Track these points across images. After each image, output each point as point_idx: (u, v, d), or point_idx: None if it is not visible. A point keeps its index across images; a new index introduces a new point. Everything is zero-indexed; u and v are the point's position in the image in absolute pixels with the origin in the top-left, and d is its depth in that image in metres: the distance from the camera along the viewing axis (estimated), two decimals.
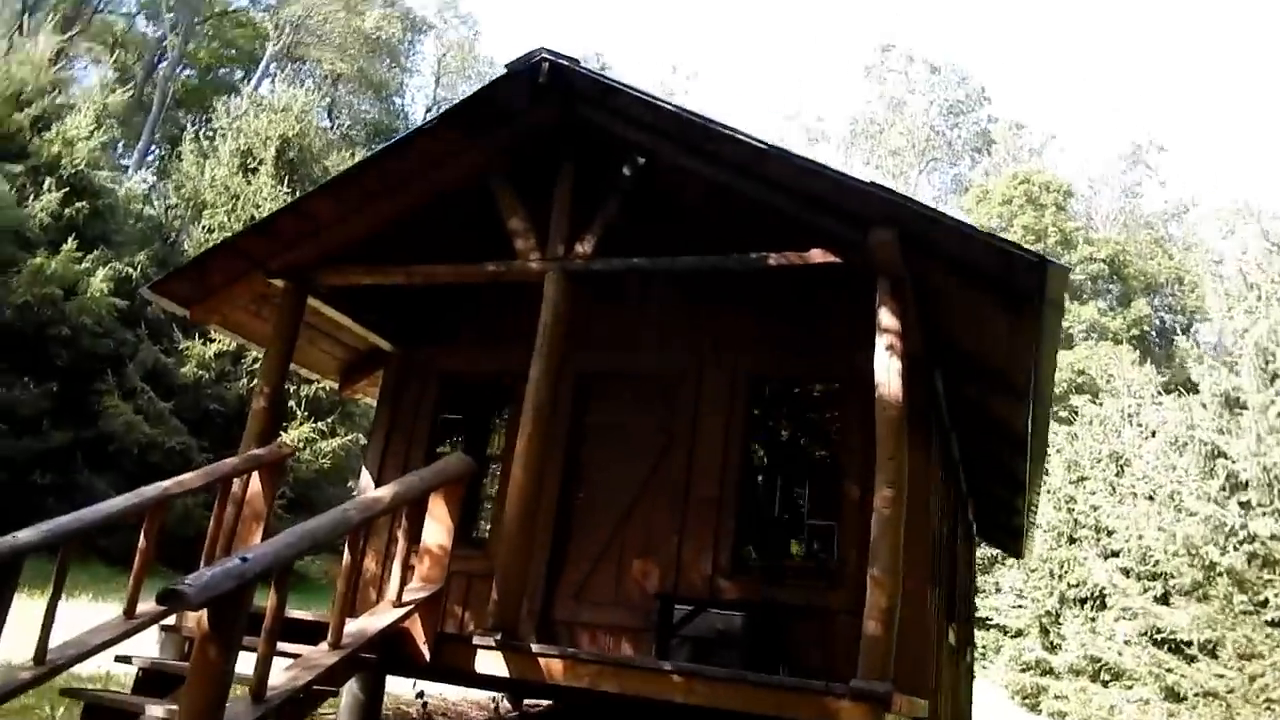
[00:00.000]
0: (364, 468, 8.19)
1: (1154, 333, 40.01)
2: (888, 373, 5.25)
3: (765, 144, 5.43)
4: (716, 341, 7.36)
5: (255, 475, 6.23)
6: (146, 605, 5.14)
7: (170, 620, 5.63)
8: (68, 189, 18.15)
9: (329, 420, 19.84)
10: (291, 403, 19.48)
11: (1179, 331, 37.21)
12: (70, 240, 17.01)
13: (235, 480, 6.07)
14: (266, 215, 6.73)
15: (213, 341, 18.68)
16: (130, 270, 18.73)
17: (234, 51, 37.68)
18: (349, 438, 20.47)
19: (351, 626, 4.85)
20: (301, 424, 19.19)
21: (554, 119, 6.47)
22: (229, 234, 15.14)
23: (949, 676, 8.84)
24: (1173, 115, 65.05)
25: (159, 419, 17.37)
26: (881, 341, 5.33)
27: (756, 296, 7.36)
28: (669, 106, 6.04)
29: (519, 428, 5.93)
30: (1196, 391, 21.49)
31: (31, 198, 17.53)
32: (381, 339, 8.05)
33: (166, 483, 5.52)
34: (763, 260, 5.78)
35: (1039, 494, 10.96)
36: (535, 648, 5.21)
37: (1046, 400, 6.29)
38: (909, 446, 5.18)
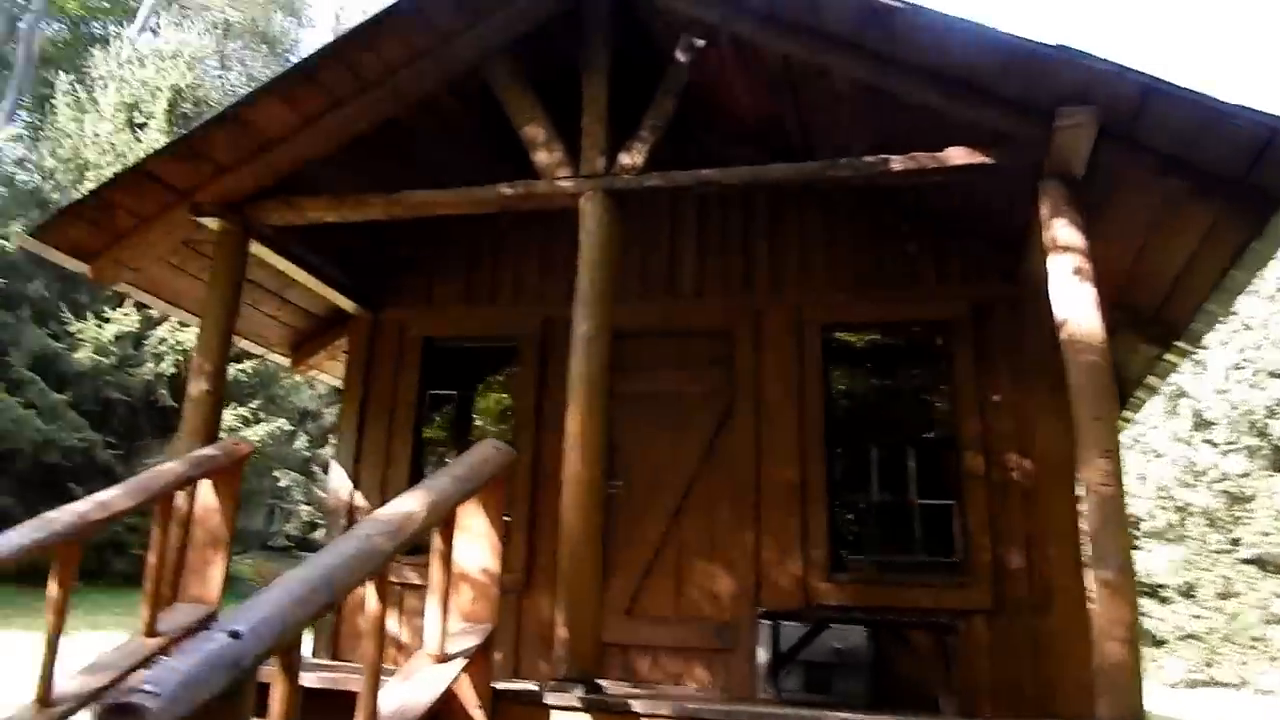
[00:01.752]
0: (333, 462, 6.52)
1: None
2: (1078, 304, 3.89)
3: (897, 1, 3.96)
4: (777, 282, 5.94)
5: (205, 484, 4.57)
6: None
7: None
8: None
9: (251, 404, 17.71)
10: None
11: None
12: None
13: (179, 492, 4.40)
14: (191, 129, 4.92)
15: (108, 322, 16.33)
16: (2, 243, 16.20)
17: (107, 3, 34.04)
18: (275, 424, 18.36)
19: (389, 700, 3.29)
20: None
21: None
22: None
23: None
24: None
25: (53, 413, 15.04)
26: (1062, 263, 3.97)
27: (821, 223, 5.96)
28: None
29: (568, 403, 4.39)
30: None
31: None
32: (345, 298, 6.34)
33: (83, 505, 3.82)
34: (881, 165, 4.34)
35: None
36: (641, 706, 3.71)
37: (1196, 341, 5.08)
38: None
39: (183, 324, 17.25)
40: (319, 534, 21.33)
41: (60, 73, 20.98)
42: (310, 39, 36.34)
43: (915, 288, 5.62)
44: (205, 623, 4.49)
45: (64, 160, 17.91)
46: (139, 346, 16.82)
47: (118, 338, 16.39)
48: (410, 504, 3.54)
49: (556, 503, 5.89)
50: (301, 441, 21.74)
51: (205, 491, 4.63)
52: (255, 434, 17.43)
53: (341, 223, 5.29)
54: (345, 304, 6.44)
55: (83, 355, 15.84)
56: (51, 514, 3.74)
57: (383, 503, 6.34)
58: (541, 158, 4.78)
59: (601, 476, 4.35)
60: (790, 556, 5.41)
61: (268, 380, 19.26)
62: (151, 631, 4.21)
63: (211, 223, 5.16)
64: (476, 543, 4.04)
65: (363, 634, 3.32)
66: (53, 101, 19.98)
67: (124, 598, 12.53)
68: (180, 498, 4.46)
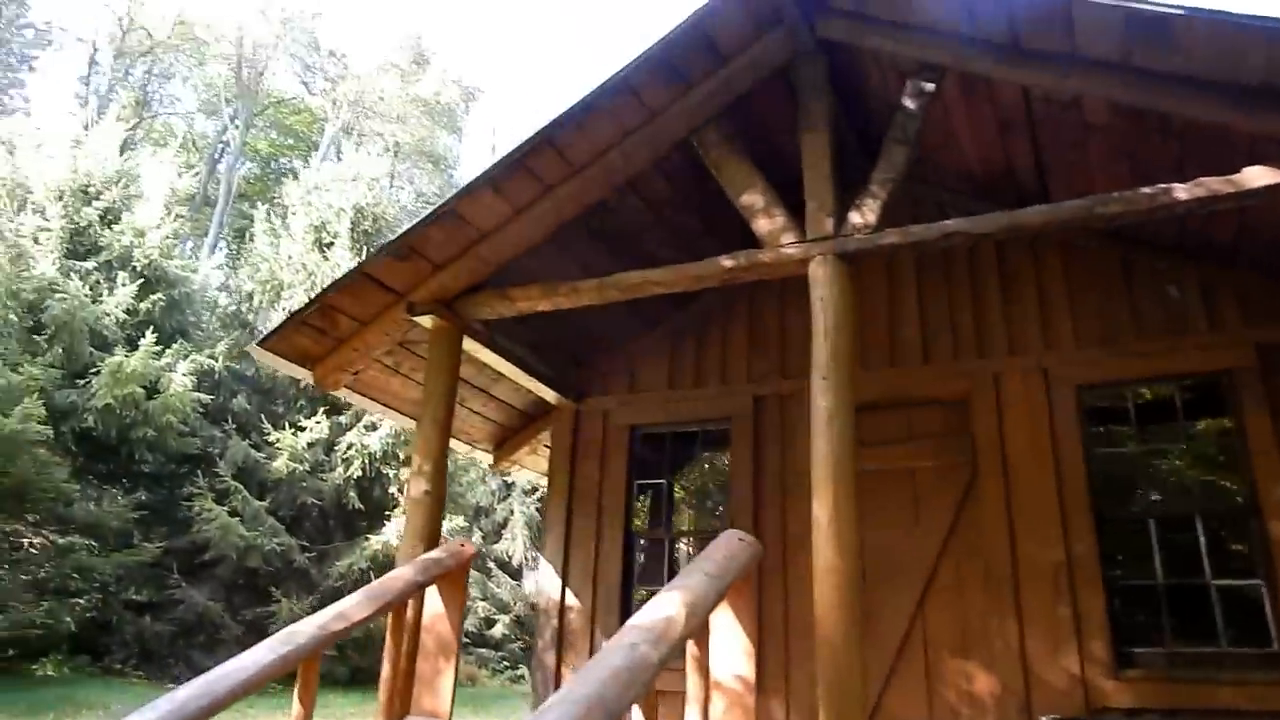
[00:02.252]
0: (543, 559, 6.31)
1: None
2: None
3: (1178, 7, 3.49)
4: (1016, 341, 5.38)
5: (433, 590, 4.40)
6: None
7: None
8: (142, 280, 17.03)
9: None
10: (393, 487, 17.83)
11: None
12: (149, 334, 15.77)
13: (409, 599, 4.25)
14: (406, 228, 4.94)
15: (302, 431, 17.22)
16: (212, 363, 17.47)
17: (291, 140, 37.37)
18: (454, 521, 18.69)
19: None
20: (404, 510, 17.45)
21: (786, 51, 4.64)
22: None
23: None
24: None
25: (255, 519, 15.82)
26: None
27: (1061, 273, 5.40)
28: None
29: (814, 487, 3.97)
30: None
31: (106, 293, 16.40)
32: (548, 389, 6.22)
33: (324, 616, 3.70)
34: (1162, 197, 3.80)
35: None
36: None
37: None
38: None
39: (370, 427, 17.99)
40: (496, 629, 21.38)
41: (258, 204, 22.93)
42: (468, 153, 38.59)
43: (1183, 336, 4.94)
44: None
45: (262, 283, 19.30)
46: (330, 452, 17.59)
47: (310, 445, 17.20)
48: (669, 607, 3.19)
49: (783, 596, 5.49)
50: (475, 538, 22.05)
51: (433, 598, 4.47)
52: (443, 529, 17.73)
53: (542, 315, 5.19)
54: (548, 395, 6.31)
55: (280, 463, 16.68)
56: (295, 627, 3.63)
57: (594, 600, 6.08)
58: (762, 225, 4.51)
59: (858, 569, 3.87)
60: (1063, 651, 4.71)
61: (447, 479, 19.73)
62: None
63: (426, 321, 5.15)
64: (727, 646, 3.65)
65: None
66: (250, 231, 21.77)
67: (328, 696, 12.74)
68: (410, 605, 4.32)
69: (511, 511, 22.78)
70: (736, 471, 5.87)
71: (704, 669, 3.40)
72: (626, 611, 5.97)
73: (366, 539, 16.98)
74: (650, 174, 5.26)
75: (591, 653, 5.92)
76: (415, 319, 5.16)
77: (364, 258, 19.09)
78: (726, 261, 4.57)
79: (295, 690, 3.56)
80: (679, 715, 3.23)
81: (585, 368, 6.56)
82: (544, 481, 22.36)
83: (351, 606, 3.87)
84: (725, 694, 3.64)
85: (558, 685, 5.94)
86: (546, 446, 7.22)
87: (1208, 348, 4.88)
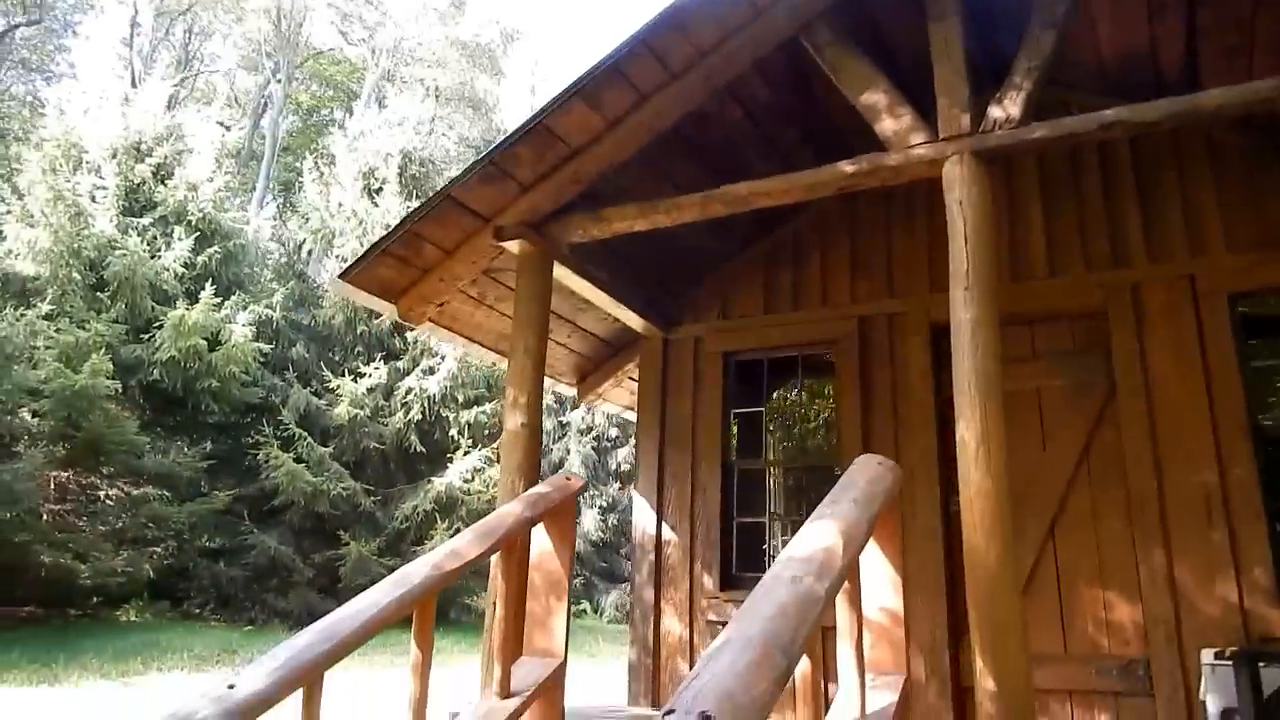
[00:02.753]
0: (636, 495, 6.07)
1: None
2: None
3: None
4: (1157, 249, 4.93)
5: (541, 526, 4.17)
6: None
7: None
8: (198, 234, 17.00)
9: (494, 444, 18.06)
10: (453, 430, 17.80)
11: None
12: (208, 286, 15.76)
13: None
14: (496, 143, 4.62)
15: (361, 377, 17.21)
16: (270, 312, 17.48)
17: (332, 92, 37.07)
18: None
19: None
20: (465, 452, 17.43)
21: None
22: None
23: None
24: None
25: (319, 465, 15.90)
26: None
27: (1209, 175, 4.92)
28: None
29: (957, 406, 3.64)
30: None
31: (164, 248, 16.38)
32: (636, 317, 5.90)
33: (437, 555, 3.47)
34: None
35: None
36: None
37: None
38: None
39: (428, 371, 17.90)
40: None
41: (304, 155, 22.73)
42: (508, 96, 38.01)
43: None
44: (557, 677, 4.06)
45: (313, 232, 19.18)
46: (389, 397, 17.58)
47: (370, 390, 17.19)
48: (825, 537, 2.88)
49: (904, 530, 5.18)
50: None
51: (541, 534, 4.24)
52: (491, 479, 17.73)
53: (629, 239, 4.86)
54: (636, 323, 6.00)
55: (340, 410, 16.71)
56: (409, 568, 3.40)
57: (691, 535, 5.84)
58: (888, 125, 4.10)
59: (1008, 493, 3.55)
60: (1220, 579, 4.36)
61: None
62: (506, 691, 3.80)
63: (514, 246, 4.84)
64: (875, 578, 3.36)
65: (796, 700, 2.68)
66: (299, 182, 21.61)
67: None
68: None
69: (568, 451, 22.73)
70: (842, 400, 5.53)
71: (855, 602, 3.11)
72: (728, 545, 5.72)
73: (429, 482, 17.01)
74: (750, 78, 4.86)
75: (692, 588, 5.71)
76: (503, 244, 4.86)
77: (413, 203, 18.88)
78: (848, 167, 4.18)
79: (412, 633, 3.35)
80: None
81: (674, 295, 6.23)
82: (603, 420, 22.20)
83: (464, 544, 3.64)
84: (872, 628, 3.36)
85: (658, 621, 5.75)
86: (631, 379, 6.94)
87: None
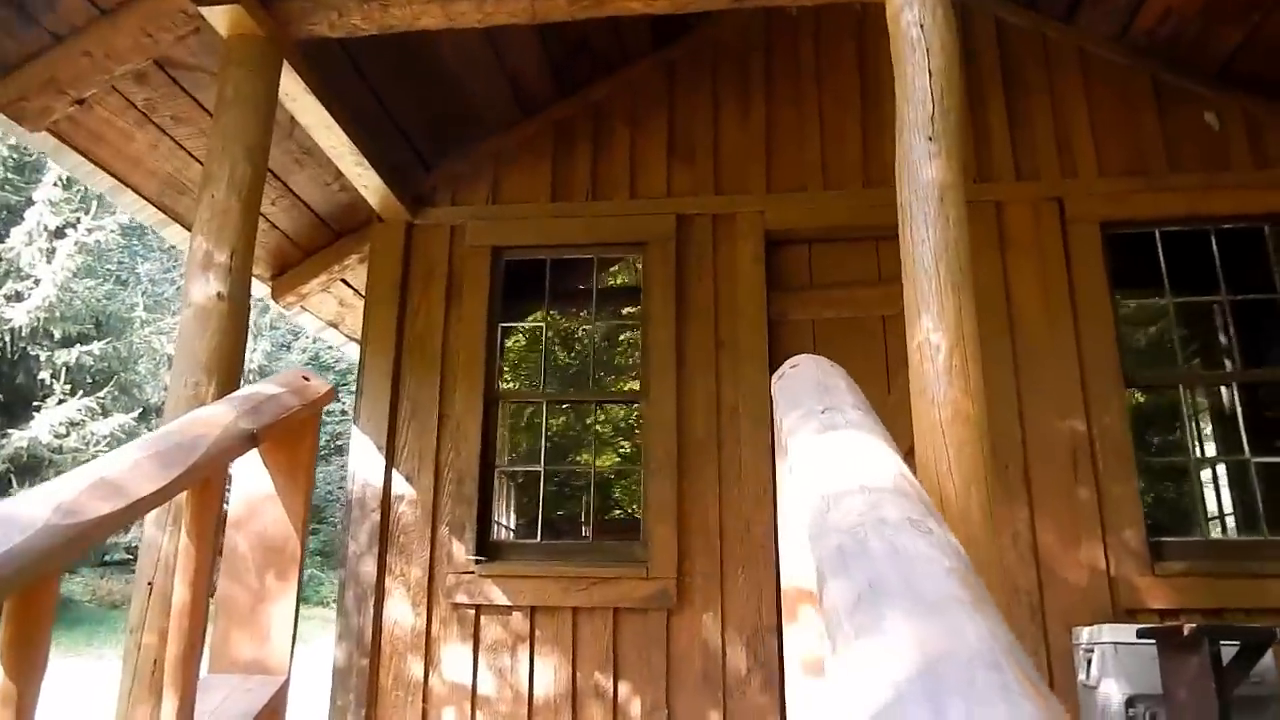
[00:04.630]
0: (356, 433, 4.37)
1: None
2: None
3: None
4: (1023, 166, 4.32)
5: (255, 455, 2.51)
6: None
7: None
8: None
9: (100, 393, 14.54)
10: (44, 373, 14.08)
11: None
12: None
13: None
14: None
15: None
16: None
17: None
18: (125, 418, 15.13)
19: None
20: (59, 400, 13.83)
21: None
22: None
23: None
24: None
25: None
26: None
27: (1081, 89, 4.41)
28: None
29: (919, 304, 2.62)
30: None
31: None
32: (380, 182, 4.19)
33: (69, 489, 1.69)
34: None
35: None
36: None
37: None
38: None
39: (15, 297, 13.87)
40: None
41: None
42: None
43: (1222, 173, 4.14)
44: (275, 707, 2.42)
45: None
46: None
47: None
48: (878, 453, 1.69)
49: (715, 485, 4.13)
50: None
51: (259, 467, 2.56)
52: (104, 429, 14.38)
53: (384, 71, 3.30)
54: (374, 195, 4.30)
55: None
56: (9, 509, 1.62)
57: (437, 490, 4.30)
58: None
59: (986, 417, 2.60)
60: (1086, 542, 3.81)
61: (117, 365, 16.00)
62: None
63: (221, 16, 3.00)
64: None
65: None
66: None
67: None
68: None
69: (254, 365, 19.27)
70: (652, 317, 4.33)
71: None
72: (486, 500, 4.28)
73: (5, 435, 13.23)
74: None
75: (434, 560, 4.18)
76: (202, 8, 2.99)
77: None
78: None
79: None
80: None
81: (428, 164, 4.62)
82: (302, 342, 18.96)
83: (128, 470, 1.87)
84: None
85: (380, 605, 4.15)
86: (347, 282, 5.18)
87: (1252, 188, 4.10)
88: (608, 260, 4.78)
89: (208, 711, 2.22)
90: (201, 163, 3.31)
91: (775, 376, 2.46)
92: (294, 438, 2.56)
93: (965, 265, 2.64)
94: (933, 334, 2.59)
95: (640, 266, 4.50)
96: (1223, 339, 4.26)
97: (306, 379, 2.64)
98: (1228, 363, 4.43)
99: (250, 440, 2.26)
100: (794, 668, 2.26)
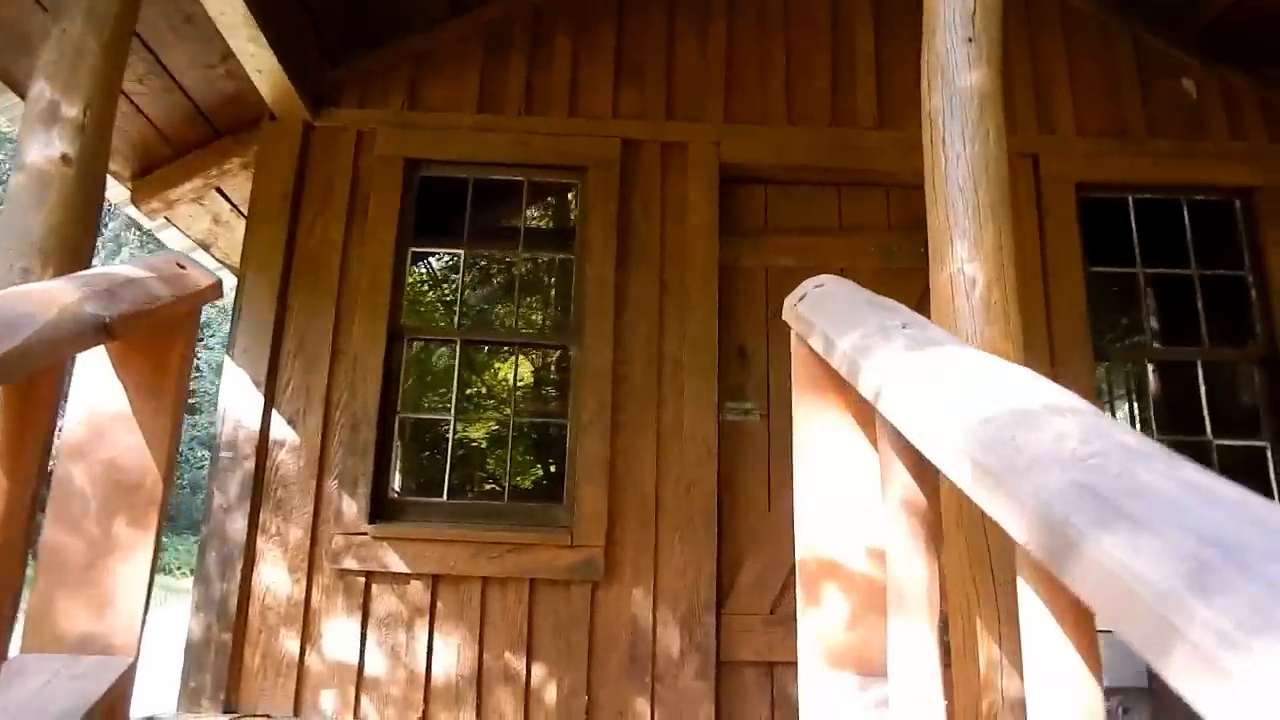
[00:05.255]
0: (230, 366, 3.67)
1: None
2: None
3: None
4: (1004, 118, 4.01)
5: (103, 355, 1.87)
6: None
7: None
8: None
9: None
10: None
11: None
12: None
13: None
14: None
15: None
16: None
17: None
18: None
19: None
20: None
21: None
22: None
23: None
24: None
25: None
26: None
27: (1061, 47, 4.15)
28: None
29: (952, 230, 2.23)
30: None
31: None
32: (275, 68, 3.50)
33: None
34: None
35: None
36: None
37: None
38: None
39: None
40: None
41: None
42: None
43: (1199, 141, 3.95)
44: (119, 695, 1.80)
45: None
46: None
47: None
48: (1002, 371, 1.24)
49: (653, 445, 3.67)
50: None
51: (109, 376, 1.93)
52: None
53: None
54: (266, 86, 3.59)
55: None
56: None
57: (326, 436, 3.66)
58: None
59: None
60: None
61: None
62: None
63: None
64: None
65: None
66: None
67: None
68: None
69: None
70: (590, 250, 3.80)
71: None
72: (385, 451, 3.67)
73: None
74: None
75: (318, 518, 3.54)
76: None
77: None
78: None
79: None
80: None
81: (334, 58, 3.93)
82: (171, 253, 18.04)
83: None
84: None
85: (250, 571, 3.49)
86: (223, 193, 4.41)
87: (1225, 159, 3.93)
88: (539, 187, 4.20)
89: (16, 706, 1.59)
90: (47, 9, 2.59)
91: (792, 299, 2.01)
92: (162, 340, 1.93)
93: (1006, 189, 2.26)
94: (967, 264, 2.20)
95: (575, 199, 3.97)
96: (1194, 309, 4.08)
97: (182, 266, 2.02)
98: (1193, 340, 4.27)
99: (101, 332, 1.63)
100: (812, 658, 1.80)
